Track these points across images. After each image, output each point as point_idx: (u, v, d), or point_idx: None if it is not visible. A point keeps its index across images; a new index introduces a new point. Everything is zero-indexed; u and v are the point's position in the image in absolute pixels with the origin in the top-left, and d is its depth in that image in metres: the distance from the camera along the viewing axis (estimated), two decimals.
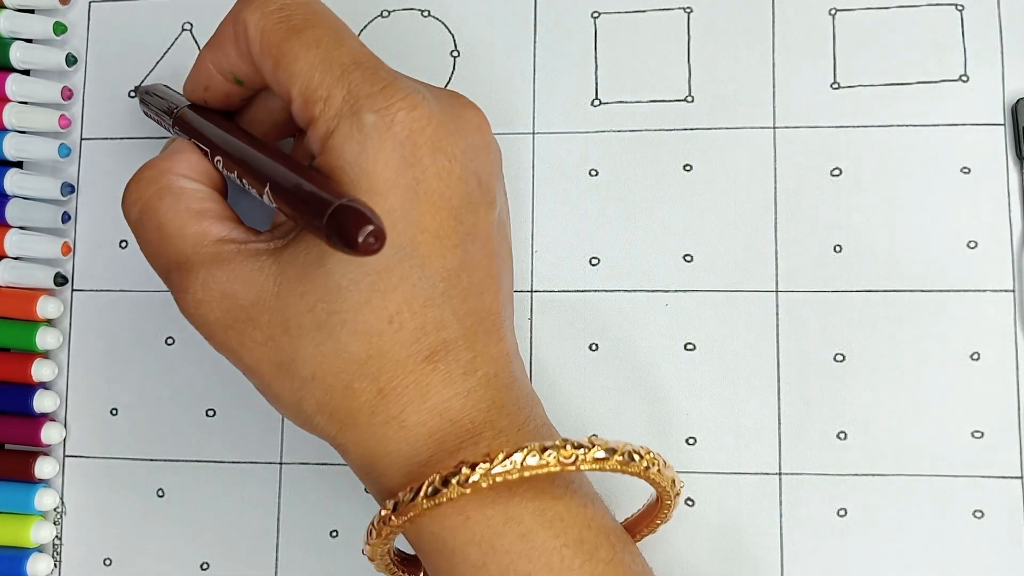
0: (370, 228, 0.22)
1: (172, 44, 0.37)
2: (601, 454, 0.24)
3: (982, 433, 0.32)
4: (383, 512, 0.25)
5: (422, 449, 0.25)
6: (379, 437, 0.25)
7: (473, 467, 0.24)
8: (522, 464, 0.23)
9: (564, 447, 0.24)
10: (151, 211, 0.27)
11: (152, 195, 0.27)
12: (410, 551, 0.29)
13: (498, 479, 0.23)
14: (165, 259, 0.27)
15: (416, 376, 0.25)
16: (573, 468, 0.24)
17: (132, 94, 0.36)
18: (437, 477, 0.24)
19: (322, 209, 0.23)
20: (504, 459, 0.23)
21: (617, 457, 0.24)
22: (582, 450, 0.24)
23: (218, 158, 0.28)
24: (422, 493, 0.24)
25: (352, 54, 0.26)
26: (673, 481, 0.26)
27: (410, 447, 0.25)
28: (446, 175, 0.26)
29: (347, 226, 0.22)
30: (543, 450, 0.24)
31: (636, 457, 0.24)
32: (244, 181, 0.27)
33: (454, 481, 0.24)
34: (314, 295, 0.25)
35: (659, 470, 0.25)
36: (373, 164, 0.25)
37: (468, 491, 0.23)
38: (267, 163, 0.26)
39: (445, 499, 0.24)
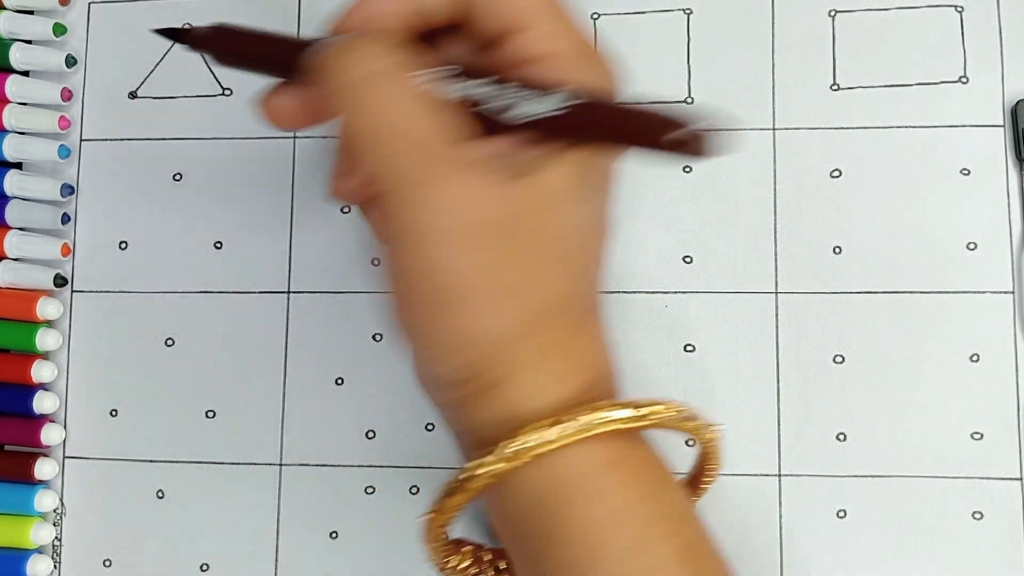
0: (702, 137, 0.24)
1: (172, 45, 0.36)
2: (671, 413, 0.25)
3: (982, 434, 0.32)
4: (494, 454, 0.24)
5: (571, 396, 0.25)
6: (545, 373, 0.25)
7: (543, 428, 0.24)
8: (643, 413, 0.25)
9: (661, 406, 0.25)
10: (387, 83, 0.24)
11: (390, 65, 0.24)
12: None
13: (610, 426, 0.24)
14: (394, 147, 0.23)
15: (593, 321, 0.26)
16: (660, 426, 0.25)
17: (132, 95, 0.36)
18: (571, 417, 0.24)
19: (668, 123, 0.24)
20: (609, 411, 0.24)
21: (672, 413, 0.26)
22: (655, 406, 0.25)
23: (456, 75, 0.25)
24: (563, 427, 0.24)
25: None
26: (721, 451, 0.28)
27: (566, 389, 0.25)
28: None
29: (695, 138, 0.23)
30: (641, 406, 0.25)
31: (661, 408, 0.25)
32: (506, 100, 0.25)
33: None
34: (558, 227, 0.25)
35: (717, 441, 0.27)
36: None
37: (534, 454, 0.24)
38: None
39: (528, 455, 0.24)
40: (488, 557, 0.29)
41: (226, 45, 0.27)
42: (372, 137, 0.24)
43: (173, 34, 0.27)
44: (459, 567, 0.29)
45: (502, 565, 0.29)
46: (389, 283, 0.25)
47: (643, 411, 0.25)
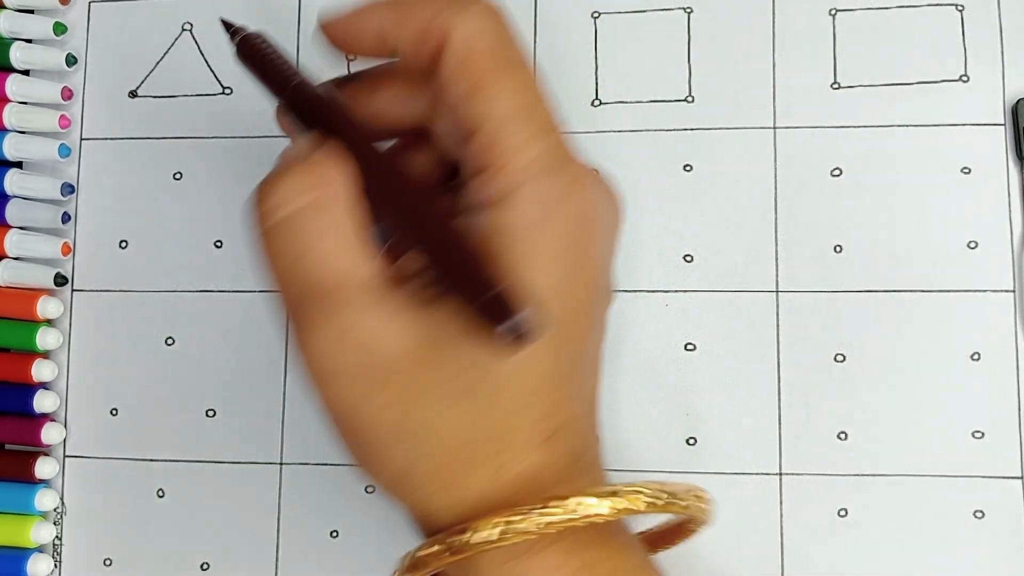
0: (526, 325, 0.21)
1: (172, 44, 0.37)
2: (624, 503, 0.23)
3: (982, 433, 0.32)
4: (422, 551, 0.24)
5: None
6: (479, 511, 0.23)
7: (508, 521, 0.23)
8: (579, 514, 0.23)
9: (624, 495, 0.23)
10: (297, 223, 0.23)
11: (305, 205, 0.23)
12: None
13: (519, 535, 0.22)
14: (300, 288, 0.23)
15: (537, 456, 0.24)
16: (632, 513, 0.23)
17: (132, 94, 0.36)
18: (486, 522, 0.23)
19: (480, 288, 0.22)
20: (571, 508, 0.23)
21: (645, 500, 0.23)
22: (616, 496, 0.23)
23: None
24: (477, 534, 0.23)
25: (550, 114, 0.24)
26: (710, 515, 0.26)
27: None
28: (602, 263, 0.25)
29: (504, 313, 0.21)
30: (608, 495, 0.23)
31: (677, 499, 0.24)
32: (380, 215, 0.24)
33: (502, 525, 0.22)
34: (460, 364, 0.23)
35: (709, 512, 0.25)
36: (551, 232, 0.23)
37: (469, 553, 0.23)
38: (420, 213, 0.24)
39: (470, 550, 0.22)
40: None
41: (245, 53, 0.28)
42: (282, 279, 0.24)
43: (228, 27, 0.28)
44: None
45: None
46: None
47: (608, 502, 0.23)
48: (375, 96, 0.27)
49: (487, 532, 0.22)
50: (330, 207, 0.23)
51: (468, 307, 0.22)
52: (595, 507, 0.23)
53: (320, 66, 0.36)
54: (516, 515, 0.22)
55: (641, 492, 0.23)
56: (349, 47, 0.26)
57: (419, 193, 0.24)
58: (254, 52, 0.27)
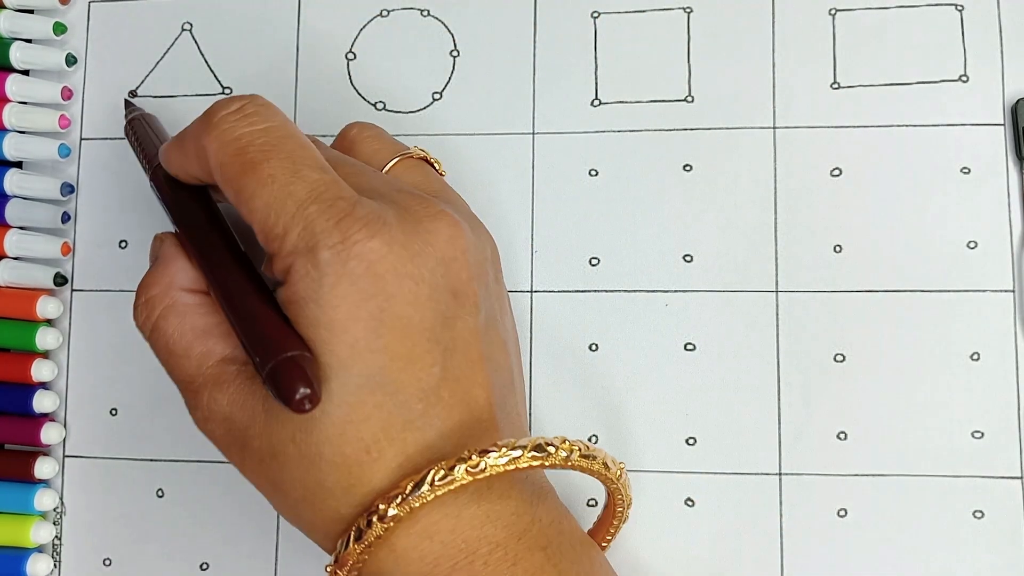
0: (305, 391, 0.23)
1: (172, 44, 0.36)
2: (508, 456, 0.24)
3: (982, 433, 0.32)
4: (327, 567, 0.26)
5: (415, 571, 0.25)
6: (373, 560, 0.25)
7: (389, 502, 0.24)
8: (432, 483, 0.24)
9: (470, 457, 0.24)
10: (159, 332, 0.28)
11: (159, 316, 0.28)
12: None
13: (414, 503, 0.24)
14: (175, 376, 0.28)
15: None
16: (484, 475, 0.24)
17: (132, 94, 0.36)
18: (361, 520, 0.24)
19: (265, 358, 0.24)
20: (413, 487, 0.24)
21: (529, 453, 0.24)
22: (490, 455, 0.24)
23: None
24: (352, 538, 0.24)
25: (309, 186, 0.25)
26: (606, 464, 0.26)
27: (403, 569, 0.25)
28: (413, 299, 0.25)
29: (283, 382, 0.24)
30: (450, 467, 0.24)
31: (551, 448, 0.24)
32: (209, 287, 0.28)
33: (375, 519, 0.24)
34: (293, 425, 0.25)
35: (582, 455, 0.25)
36: (330, 300, 0.25)
37: (391, 524, 0.24)
38: (228, 288, 0.27)
39: (373, 536, 0.24)
40: None
41: (128, 130, 0.34)
42: (166, 370, 0.28)
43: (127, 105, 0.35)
44: None
45: None
46: None
47: (510, 456, 0.24)
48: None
49: (352, 537, 0.25)
50: (177, 309, 0.28)
51: (258, 371, 0.25)
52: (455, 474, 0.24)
53: (316, 79, 0.36)
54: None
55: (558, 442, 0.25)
56: (185, 180, 0.29)
57: (236, 273, 0.27)
58: (135, 130, 0.33)
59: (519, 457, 0.24)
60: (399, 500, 0.24)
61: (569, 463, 0.25)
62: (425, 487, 0.24)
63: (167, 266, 0.29)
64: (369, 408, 0.25)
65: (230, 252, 0.28)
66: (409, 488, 0.24)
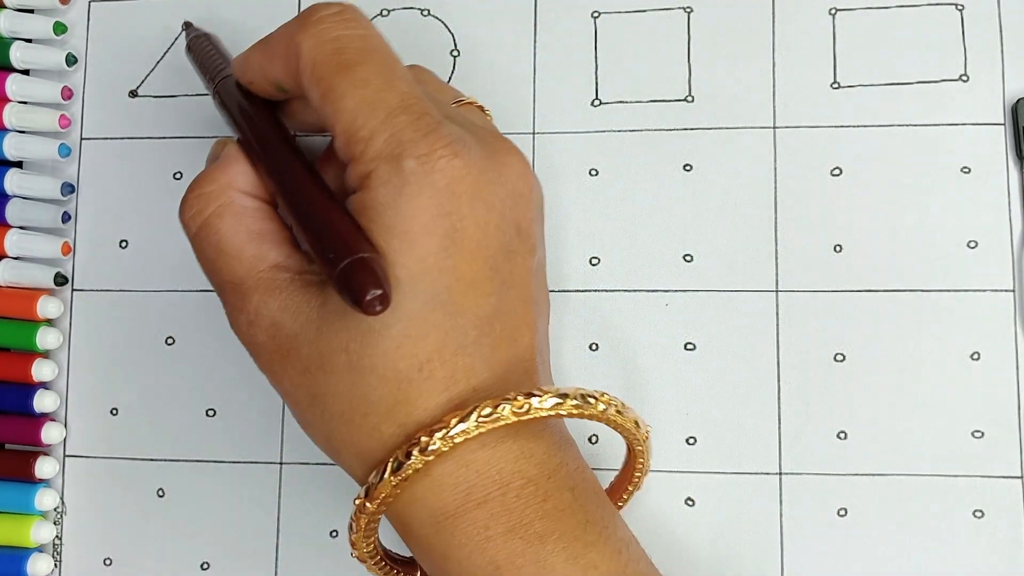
0: (376, 292, 0.23)
1: (172, 44, 0.37)
2: (552, 401, 0.24)
3: (982, 433, 0.32)
4: (356, 500, 0.25)
5: (448, 500, 0.25)
6: (406, 487, 0.25)
7: (431, 434, 0.24)
8: (477, 420, 0.24)
9: (516, 398, 0.24)
10: (211, 229, 0.27)
11: (213, 213, 0.27)
12: (405, 553, 0.29)
13: (457, 439, 0.24)
14: (221, 277, 0.27)
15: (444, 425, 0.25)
16: (527, 417, 0.24)
17: (132, 94, 0.36)
18: (400, 452, 0.24)
19: (338, 258, 0.23)
20: (458, 422, 0.24)
21: (571, 401, 0.25)
22: (535, 399, 0.24)
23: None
24: (388, 470, 0.24)
25: (400, 96, 0.25)
26: (636, 423, 0.26)
27: (435, 497, 0.25)
28: (484, 224, 0.26)
29: (355, 282, 0.23)
30: (496, 405, 0.24)
31: (591, 400, 0.25)
32: (273, 192, 0.28)
33: (415, 452, 0.24)
34: (348, 334, 0.25)
35: (618, 411, 0.26)
36: (408, 209, 0.25)
37: (432, 457, 0.24)
38: (299, 193, 0.26)
39: (412, 470, 0.24)
40: None
41: (190, 47, 0.33)
42: (209, 274, 0.28)
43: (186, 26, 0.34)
44: None
45: None
46: None
47: (554, 402, 0.24)
48: (292, 105, 0.30)
49: (391, 467, 0.24)
50: (233, 209, 0.27)
51: (327, 272, 0.24)
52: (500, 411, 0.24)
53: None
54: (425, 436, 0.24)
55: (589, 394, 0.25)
56: (252, 87, 0.29)
57: (306, 179, 0.27)
58: (197, 48, 0.32)
59: (562, 404, 0.25)
60: (443, 434, 0.24)
61: (605, 416, 0.25)
62: (471, 422, 0.24)
63: (228, 166, 0.28)
64: (428, 326, 0.25)
65: (299, 159, 0.27)
66: (454, 423, 0.24)
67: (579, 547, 0.25)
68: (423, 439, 0.24)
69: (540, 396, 0.24)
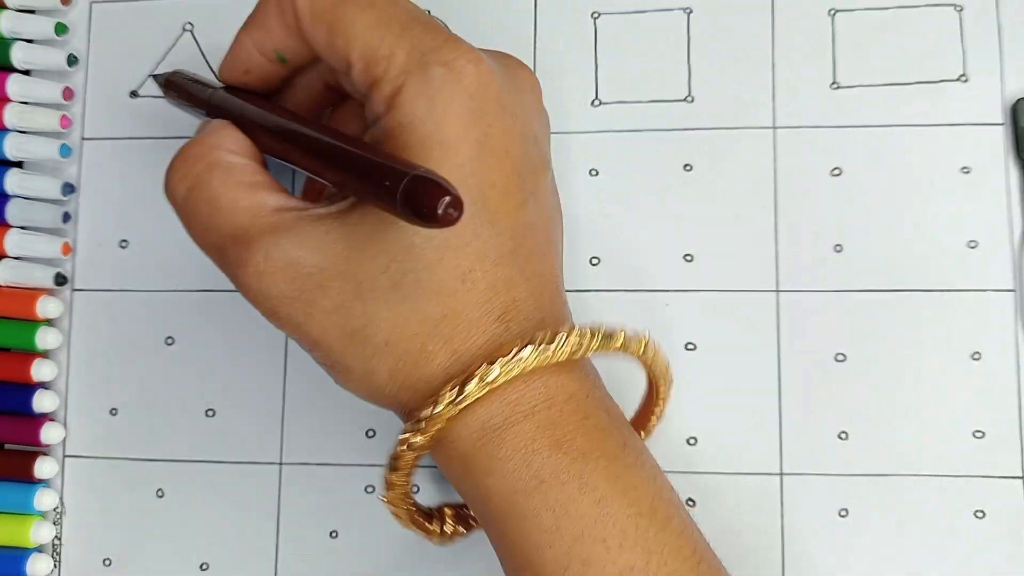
0: (448, 199, 0.21)
1: (173, 44, 0.37)
2: (599, 338, 0.25)
3: (983, 433, 0.32)
4: (402, 436, 0.25)
5: (496, 412, 0.25)
6: (460, 412, 0.25)
7: (492, 363, 0.24)
8: (539, 352, 0.24)
9: (569, 335, 0.25)
10: (202, 186, 0.26)
11: (201, 170, 0.26)
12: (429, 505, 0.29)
13: (515, 369, 0.24)
14: (219, 234, 0.26)
15: (489, 336, 0.25)
16: (581, 353, 0.25)
17: (133, 95, 0.37)
18: (457, 381, 0.24)
19: (395, 181, 0.22)
20: (518, 351, 0.24)
21: (620, 340, 0.26)
22: (585, 336, 0.25)
23: (262, 140, 0.28)
24: (447, 400, 0.24)
25: (407, 10, 0.25)
26: (667, 367, 0.28)
27: (485, 409, 0.25)
28: (510, 132, 0.25)
29: (425, 198, 0.22)
30: (551, 341, 0.24)
31: (632, 341, 0.26)
32: (292, 161, 0.27)
33: (474, 382, 0.24)
34: (387, 255, 0.24)
35: (656, 353, 0.27)
36: (444, 118, 0.24)
37: (489, 389, 0.24)
38: (321, 139, 0.26)
39: (471, 399, 0.24)
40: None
41: (173, 89, 0.32)
42: (204, 235, 0.26)
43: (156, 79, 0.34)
44: (446, 531, 0.29)
45: None
46: None
47: (542, 348, 0.24)
48: (293, 89, 0.30)
49: (448, 397, 0.24)
50: (222, 165, 0.26)
51: (388, 200, 0.22)
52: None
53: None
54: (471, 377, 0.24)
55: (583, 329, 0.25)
56: (249, 77, 0.28)
57: (332, 130, 0.26)
58: (175, 82, 0.32)
59: (612, 340, 0.26)
60: (505, 360, 0.24)
61: (644, 354, 0.27)
62: (528, 352, 0.24)
63: (214, 131, 0.27)
64: (469, 235, 0.25)
65: (318, 119, 0.27)
66: (513, 352, 0.24)
67: (619, 467, 0.25)
68: (485, 366, 0.24)
69: (587, 333, 0.25)
